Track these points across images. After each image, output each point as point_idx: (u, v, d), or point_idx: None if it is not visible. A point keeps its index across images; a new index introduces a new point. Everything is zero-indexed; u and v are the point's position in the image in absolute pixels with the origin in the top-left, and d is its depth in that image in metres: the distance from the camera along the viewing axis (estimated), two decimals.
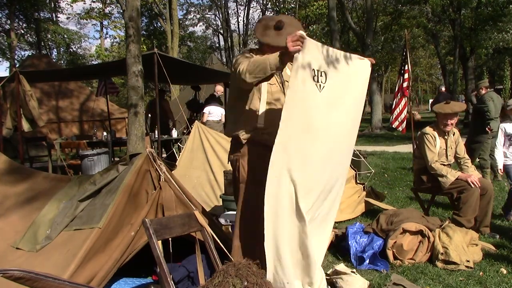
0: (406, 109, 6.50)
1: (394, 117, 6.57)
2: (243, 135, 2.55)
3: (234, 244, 2.54)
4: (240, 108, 2.59)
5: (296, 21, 2.65)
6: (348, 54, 2.45)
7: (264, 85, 2.55)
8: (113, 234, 2.41)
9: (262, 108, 2.55)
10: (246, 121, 2.56)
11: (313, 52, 2.23)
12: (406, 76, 6.50)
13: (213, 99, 8.65)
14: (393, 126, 6.68)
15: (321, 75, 2.29)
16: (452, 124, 4.06)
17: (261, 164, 2.50)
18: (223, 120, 8.23)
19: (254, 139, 2.55)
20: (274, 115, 2.54)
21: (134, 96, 5.88)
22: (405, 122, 6.47)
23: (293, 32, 2.29)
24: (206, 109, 8.24)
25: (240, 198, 2.57)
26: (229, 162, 2.71)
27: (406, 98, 6.51)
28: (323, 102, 2.31)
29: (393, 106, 6.62)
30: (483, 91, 6.51)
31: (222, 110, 8.37)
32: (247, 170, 2.55)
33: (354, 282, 2.79)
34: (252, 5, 31.44)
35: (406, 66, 6.52)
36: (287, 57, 2.19)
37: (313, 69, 2.25)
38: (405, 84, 6.48)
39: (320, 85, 2.29)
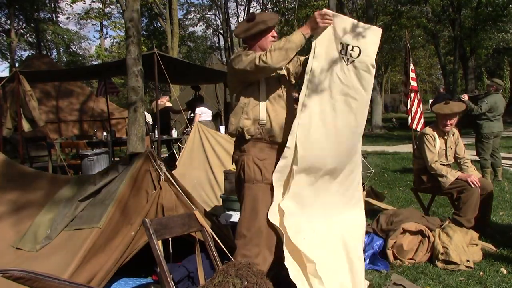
0: (420, 107, 6.48)
1: (411, 118, 6.51)
2: (248, 131, 2.51)
3: (238, 243, 2.48)
4: (242, 104, 2.55)
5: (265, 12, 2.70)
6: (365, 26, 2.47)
7: (263, 80, 2.54)
8: (113, 234, 2.41)
9: (263, 103, 2.52)
10: (248, 116, 2.52)
11: (342, 26, 2.33)
12: (412, 75, 6.47)
13: (201, 101, 8.72)
14: (413, 127, 6.63)
15: (352, 50, 2.37)
16: (451, 124, 4.06)
17: (266, 161, 2.51)
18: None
19: (258, 135, 2.52)
20: (276, 111, 2.55)
21: (134, 96, 5.89)
22: (422, 119, 6.46)
23: (266, 17, 2.45)
24: (198, 110, 8.33)
25: (246, 197, 2.50)
26: (234, 162, 2.66)
27: (418, 96, 6.49)
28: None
29: (408, 107, 6.56)
30: (492, 89, 6.49)
31: (210, 111, 8.57)
32: (253, 169, 2.49)
33: None
34: (252, 5, 31.40)
35: (410, 65, 6.50)
36: (310, 32, 2.33)
37: (341, 43, 2.35)
38: (413, 83, 6.44)
39: (348, 58, 2.38)
